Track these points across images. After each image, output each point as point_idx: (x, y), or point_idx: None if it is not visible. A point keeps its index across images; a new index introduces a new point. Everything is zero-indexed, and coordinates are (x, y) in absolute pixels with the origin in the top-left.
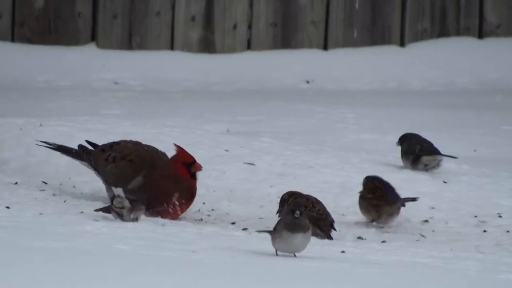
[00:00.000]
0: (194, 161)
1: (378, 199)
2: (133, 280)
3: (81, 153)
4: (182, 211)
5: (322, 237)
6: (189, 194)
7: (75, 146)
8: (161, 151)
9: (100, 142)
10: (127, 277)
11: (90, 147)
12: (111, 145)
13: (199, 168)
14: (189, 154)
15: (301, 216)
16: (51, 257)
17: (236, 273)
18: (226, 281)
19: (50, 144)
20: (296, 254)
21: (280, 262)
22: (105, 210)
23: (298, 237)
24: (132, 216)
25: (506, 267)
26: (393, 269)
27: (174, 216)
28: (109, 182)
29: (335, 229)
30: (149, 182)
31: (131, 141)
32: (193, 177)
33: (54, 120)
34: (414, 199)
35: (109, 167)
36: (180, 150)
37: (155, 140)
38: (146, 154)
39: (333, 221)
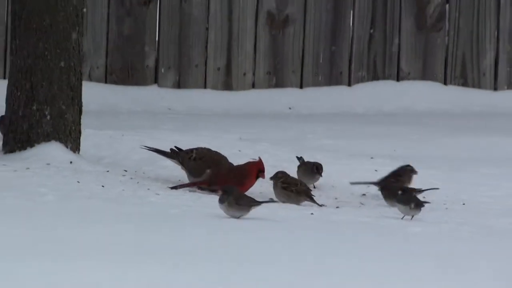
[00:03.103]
0: (264, 170)
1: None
2: (182, 230)
3: (174, 154)
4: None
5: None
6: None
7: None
8: (223, 155)
9: (161, 146)
10: (178, 229)
11: (177, 150)
12: (192, 150)
13: (263, 177)
14: (263, 164)
15: (223, 193)
16: (128, 218)
17: (240, 224)
18: (235, 230)
19: (150, 148)
20: (236, 217)
21: (265, 217)
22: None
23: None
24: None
25: (418, 222)
26: (344, 224)
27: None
28: (191, 173)
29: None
30: (223, 169)
31: (205, 148)
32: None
33: (131, 132)
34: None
35: (191, 163)
36: (260, 160)
37: (193, 144)
38: (215, 156)
39: (309, 189)
